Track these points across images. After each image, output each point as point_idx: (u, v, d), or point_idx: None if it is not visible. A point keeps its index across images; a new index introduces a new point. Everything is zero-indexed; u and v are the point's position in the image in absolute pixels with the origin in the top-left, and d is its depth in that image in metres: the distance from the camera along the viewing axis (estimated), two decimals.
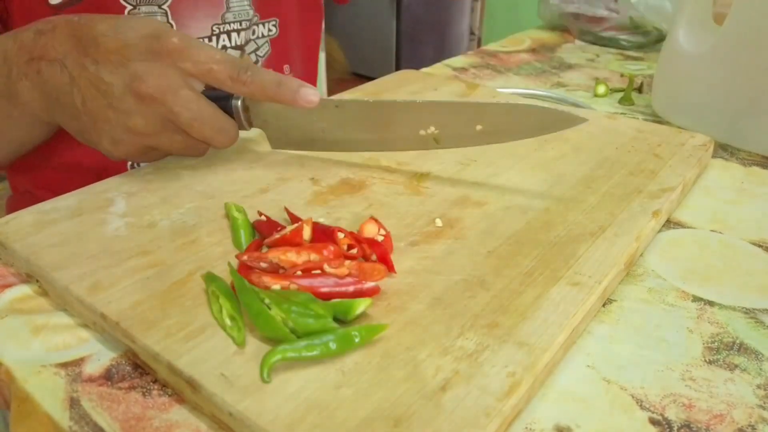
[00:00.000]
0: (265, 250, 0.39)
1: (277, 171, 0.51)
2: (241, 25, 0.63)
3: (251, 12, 0.63)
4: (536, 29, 1.09)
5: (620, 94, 0.76)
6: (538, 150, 0.55)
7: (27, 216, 0.44)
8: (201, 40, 0.46)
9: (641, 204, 0.46)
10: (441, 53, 2.85)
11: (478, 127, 0.45)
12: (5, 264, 0.43)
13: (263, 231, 0.41)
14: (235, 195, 0.47)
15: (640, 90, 0.78)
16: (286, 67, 0.70)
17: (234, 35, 0.63)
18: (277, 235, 0.39)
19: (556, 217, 0.44)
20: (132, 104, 0.43)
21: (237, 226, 0.42)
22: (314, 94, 0.45)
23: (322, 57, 1.77)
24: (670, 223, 0.48)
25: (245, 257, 0.37)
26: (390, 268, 0.38)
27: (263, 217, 0.43)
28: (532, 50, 0.97)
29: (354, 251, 0.38)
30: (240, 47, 0.64)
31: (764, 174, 0.56)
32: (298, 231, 0.39)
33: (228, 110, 0.47)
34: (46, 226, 0.43)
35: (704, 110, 0.63)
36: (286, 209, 0.44)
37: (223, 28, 0.62)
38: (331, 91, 1.10)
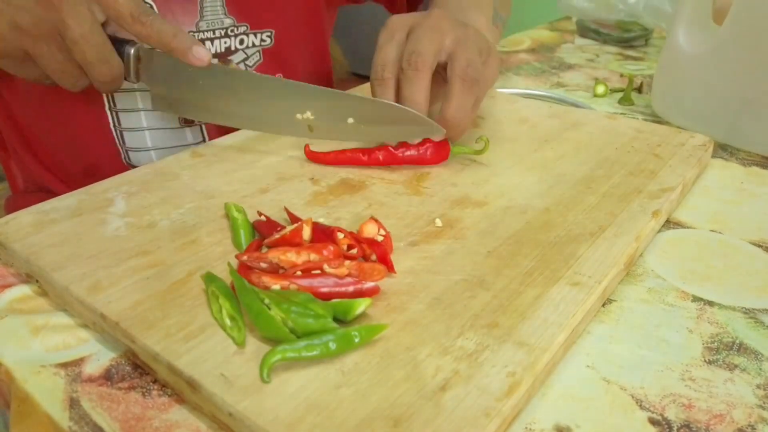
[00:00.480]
0: (264, 250, 0.39)
1: (277, 171, 0.51)
2: (215, 33, 0.63)
3: (227, 21, 0.64)
4: (536, 29, 1.09)
5: (620, 94, 0.76)
6: (538, 150, 0.55)
7: (27, 216, 0.44)
8: None
9: (641, 204, 0.46)
10: None
11: (350, 120, 0.47)
12: (5, 264, 0.43)
13: (263, 231, 0.41)
14: (234, 195, 0.47)
15: (639, 90, 0.78)
16: (278, 76, 0.70)
17: (208, 43, 0.63)
18: (276, 236, 0.39)
19: (555, 217, 0.44)
20: (29, 2, 0.42)
21: (237, 226, 0.42)
22: (206, 54, 0.46)
23: None
24: (669, 223, 0.48)
25: (245, 257, 0.37)
26: (390, 268, 0.38)
27: (263, 218, 0.43)
28: (532, 50, 0.97)
29: (354, 251, 0.38)
30: (220, 56, 0.64)
31: (764, 174, 0.56)
32: (298, 231, 0.39)
33: (120, 56, 0.48)
34: (45, 226, 0.43)
35: (704, 110, 0.63)
36: (286, 209, 0.44)
37: (198, 36, 0.62)
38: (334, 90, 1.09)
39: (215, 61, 0.64)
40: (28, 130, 0.67)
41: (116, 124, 0.63)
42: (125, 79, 0.49)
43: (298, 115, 0.48)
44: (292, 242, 0.38)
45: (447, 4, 0.64)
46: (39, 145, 0.67)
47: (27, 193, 0.72)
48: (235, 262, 0.38)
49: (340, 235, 0.39)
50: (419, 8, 0.81)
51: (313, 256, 0.37)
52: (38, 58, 0.45)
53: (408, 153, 0.50)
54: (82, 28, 0.43)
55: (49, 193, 0.67)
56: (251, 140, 0.56)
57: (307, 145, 0.51)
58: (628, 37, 0.97)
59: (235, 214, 0.43)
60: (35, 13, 0.43)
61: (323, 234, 0.40)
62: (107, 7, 0.45)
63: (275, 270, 0.37)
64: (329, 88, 0.48)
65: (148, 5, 0.47)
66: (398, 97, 0.48)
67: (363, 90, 0.70)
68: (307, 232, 0.39)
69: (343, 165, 0.51)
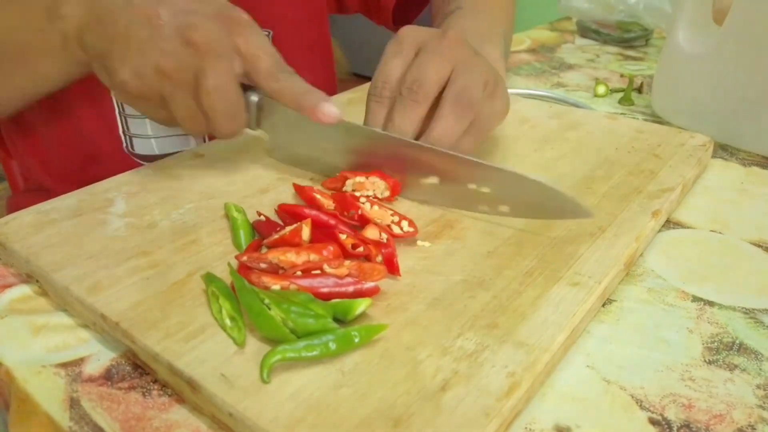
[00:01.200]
0: (264, 250, 0.39)
1: (277, 171, 0.51)
2: None
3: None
4: (536, 29, 1.09)
5: (620, 95, 0.76)
6: (538, 150, 0.55)
7: (27, 216, 0.44)
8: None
9: (641, 204, 0.46)
10: None
11: (485, 189, 0.43)
12: (5, 264, 0.43)
13: (263, 231, 0.41)
14: (235, 195, 0.47)
15: (640, 90, 0.78)
16: None
17: None
18: (276, 236, 0.39)
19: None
20: (175, 46, 0.42)
21: (236, 227, 0.42)
22: (335, 112, 0.44)
23: None
24: (669, 223, 0.48)
25: (245, 258, 0.37)
26: (396, 270, 0.38)
27: (262, 218, 0.43)
28: (532, 50, 0.97)
29: (360, 249, 0.38)
30: None
31: (764, 174, 0.56)
32: (297, 231, 0.39)
33: None
34: (45, 226, 0.43)
35: (704, 110, 0.63)
36: (280, 207, 0.44)
37: None
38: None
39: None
40: (27, 124, 0.67)
41: (121, 110, 0.63)
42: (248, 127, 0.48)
43: (422, 180, 0.45)
44: (292, 242, 0.38)
45: (462, 27, 0.61)
46: (38, 139, 0.67)
47: (27, 193, 0.72)
48: (235, 263, 0.38)
49: (343, 236, 0.39)
50: (413, 22, 0.80)
51: (313, 257, 0.37)
52: (171, 103, 0.44)
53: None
54: (220, 80, 0.42)
55: (47, 192, 0.67)
56: (251, 140, 0.56)
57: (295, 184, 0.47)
58: (628, 38, 0.98)
59: (235, 214, 0.43)
60: (180, 58, 0.42)
61: (323, 234, 0.40)
62: (248, 61, 0.44)
63: (275, 270, 0.37)
64: (458, 155, 0.44)
65: (287, 65, 0.45)
66: (386, 117, 0.46)
67: (363, 90, 0.70)
68: (306, 232, 0.39)
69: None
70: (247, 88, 0.47)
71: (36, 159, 0.69)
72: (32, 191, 0.71)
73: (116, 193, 0.47)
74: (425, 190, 0.46)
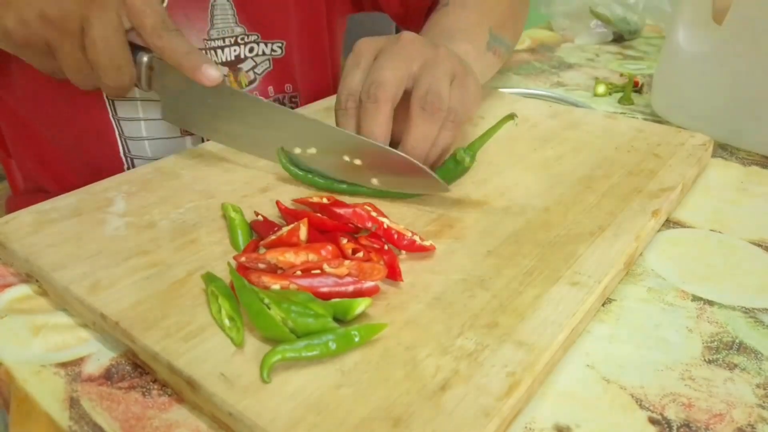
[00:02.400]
0: (262, 251, 0.39)
1: (276, 171, 0.51)
2: (224, 41, 0.64)
3: (237, 29, 0.64)
4: (536, 29, 1.09)
5: (620, 94, 0.76)
6: (537, 150, 0.55)
7: (26, 216, 0.44)
8: None
9: (641, 204, 0.46)
10: None
11: (345, 158, 0.45)
12: (5, 264, 0.43)
13: (260, 231, 0.41)
14: (234, 195, 0.47)
15: (639, 90, 0.78)
16: (288, 86, 0.70)
17: (219, 52, 0.63)
18: (273, 236, 0.39)
19: (555, 216, 0.44)
20: None
21: (234, 227, 0.42)
22: (216, 74, 0.45)
23: None
24: (669, 223, 0.48)
25: (243, 258, 0.37)
26: (398, 276, 0.37)
27: (260, 217, 0.43)
28: (532, 50, 0.97)
29: (360, 254, 0.38)
30: (229, 64, 0.65)
31: (764, 173, 0.56)
32: (295, 231, 0.39)
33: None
34: (45, 225, 0.43)
35: (704, 110, 0.63)
36: (278, 203, 0.44)
37: (210, 44, 0.63)
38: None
39: (224, 79, 0.64)
40: (27, 128, 0.67)
41: (114, 113, 0.63)
42: (136, 86, 0.49)
43: (298, 150, 0.48)
44: (289, 242, 0.38)
45: (434, 30, 0.61)
46: (38, 142, 0.67)
47: (27, 193, 0.72)
48: (234, 263, 0.38)
49: (344, 240, 0.39)
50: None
51: (312, 257, 0.37)
52: (57, 52, 0.45)
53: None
54: (105, 31, 0.43)
55: (46, 193, 0.67)
56: None
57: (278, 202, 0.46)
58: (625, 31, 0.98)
59: (232, 214, 0.43)
60: (65, 6, 0.43)
61: (320, 233, 0.40)
62: (133, 16, 0.45)
63: (273, 271, 0.37)
64: (332, 126, 0.47)
65: (172, 22, 0.46)
66: (358, 129, 0.46)
67: None
68: (303, 232, 0.39)
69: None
70: (139, 48, 0.48)
71: (35, 161, 0.69)
72: (32, 192, 0.71)
73: (116, 192, 0.47)
74: (306, 159, 0.47)
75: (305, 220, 0.40)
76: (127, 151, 0.64)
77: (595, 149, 0.55)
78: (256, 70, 0.67)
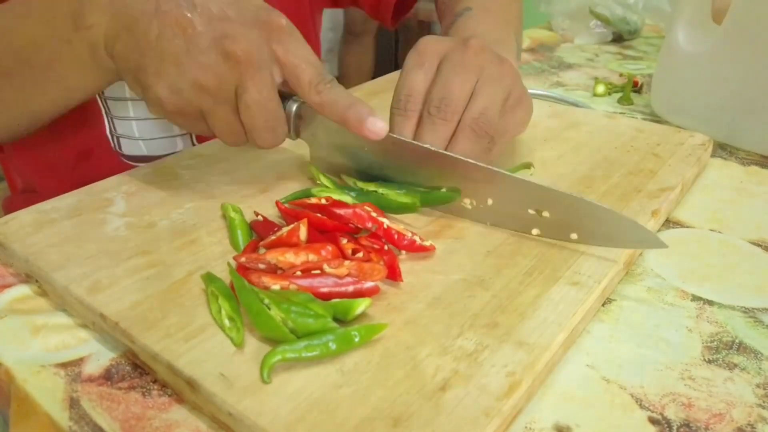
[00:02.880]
0: (262, 251, 0.39)
1: (277, 171, 0.51)
2: None
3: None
4: (536, 29, 1.09)
5: (619, 94, 0.76)
6: (537, 150, 0.55)
7: (26, 216, 0.44)
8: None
9: (640, 203, 0.46)
10: None
11: (545, 214, 0.41)
12: (5, 264, 0.42)
13: (260, 231, 0.41)
14: (235, 195, 0.47)
15: (639, 90, 0.78)
16: None
17: None
18: (273, 237, 0.39)
19: None
20: (213, 59, 0.40)
21: (234, 227, 0.42)
22: (382, 126, 0.42)
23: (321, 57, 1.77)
24: (669, 223, 0.48)
25: (243, 259, 0.37)
26: (398, 277, 0.37)
27: (260, 218, 0.43)
28: (532, 50, 0.97)
29: (360, 255, 0.38)
30: None
31: (763, 173, 0.56)
32: (295, 231, 0.39)
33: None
34: (45, 226, 0.43)
35: (703, 110, 0.63)
36: (278, 203, 0.44)
37: None
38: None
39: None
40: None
41: (108, 111, 0.63)
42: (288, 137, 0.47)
43: (467, 201, 0.44)
44: (289, 243, 0.38)
45: (478, 33, 0.57)
46: (27, 139, 0.67)
47: (25, 192, 0.72)
48: (234, 263, 0.38)
49: (344, 240, 0.39)
50: (408, 14, 0.79)
51: (312, 257, 0.37)
52: (210, 118, 0.43)
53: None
54: (260, 95, 0.41)
55: (37, 194, 0.67)
56: None
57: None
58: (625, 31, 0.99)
59: (232, 214, 0.43)
60: (219, 72, 0.40)
61: (320, 233, 0.40)
62: (289, 73, 0.42)
63: (273, 271, 0.37)
64: (517, 177, 0.42)
65: (328, 72, 0.43)
66: (415, 135, 0.45)
67: (362, 90, 0.70)
68: (303, 232, 0.39)
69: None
70: (285, 95, 0.45)
71: (26, 159, 0.69)
72: (30, 192, 0.71)
73: (116, 192, 0.47)
74: (478, 212, 0.44)
75: (305, 220, 0.40)
76: (118, 149, 0.64)
77: (595, 149, 0.55)
78: None
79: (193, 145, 0.65)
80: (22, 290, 0.40)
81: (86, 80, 0.48)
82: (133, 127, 0.63)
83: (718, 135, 0.61)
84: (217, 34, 0.40)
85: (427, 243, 0.40)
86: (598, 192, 0.47)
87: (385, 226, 0.40)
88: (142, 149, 0.64)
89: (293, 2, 0.70)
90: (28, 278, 0.41)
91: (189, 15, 0.40)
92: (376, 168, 0.46)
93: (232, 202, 0.45)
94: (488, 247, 0.41)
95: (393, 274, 0.37)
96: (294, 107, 0.45)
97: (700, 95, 0.63)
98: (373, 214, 0.41)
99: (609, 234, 0.39)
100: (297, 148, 0.54)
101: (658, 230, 0.47)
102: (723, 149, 0.61)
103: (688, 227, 0.48)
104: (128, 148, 0.64)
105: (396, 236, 0.40)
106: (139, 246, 0.41)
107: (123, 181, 0.49)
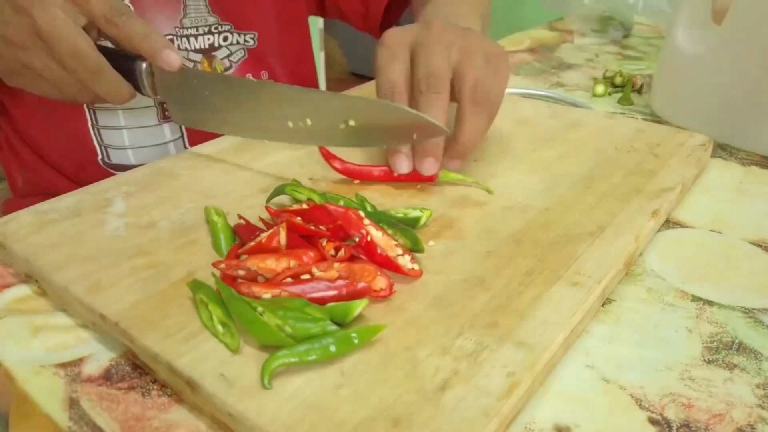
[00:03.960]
0: (243, 258, 0.38)
1: (276, 171, 0.51)
2: (198, 30, 0.64)
3: (210, 19, 0.64)
4: (536, 29, 1.09)
5: (619, 94, 0.76)
6: (537, 150, 0.55)
7: (26, 216, 0.44)
8: None
9: (640, 204, 0.46)
10: None
11: (351, 123, 0.44)
12: (4, 264, 0.42)
13: (243, 235, 0.41)
14: (233, 195, 0.47)
15: (639, 90, 0.78)
16: (264, 73, 0.71)
17: (192, 40, 0.64)
18: (252, 243, 0.38)
19: (555, 217, 0.44)
20: (9, 14, 0.43)
21: (216, 231, 0.41)
22: (176, 58, 0.45)
23: (321, 57, 1.77)
24: (669, 223, 0.48)
25: (222, 266, 0.36)
26: (403, 271, 0.37)
27: (242, 221, 0.42)
28: (531, 50, 0.97)
29: (341, 253, 0.37)
30: (203, 51, 0.65)
31: (763, 173, 0.56)
32: (274, 236, 0.38)
33: (132, 72, 0.47)
34: (45, 226, 0.43)
35: (703, 110, 0.63)
36: (267, 208, 0.43)
37: (182, 32, 0.63)
38: (331, 90, 1.09)
39: (195, 64, 0.64)
40: (23, 127, 0.67)
41: (94, 122, 0.63)
42: (141, 93, 0.49)
43: (294, 123, 0.46)
44: (269, 248, 0.38)
45: (441, 15, 0.61)
46: (35, 141, 0.67)
47: (26, 195, 0.72)
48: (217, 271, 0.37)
49: (323, 241, 0.38)
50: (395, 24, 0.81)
51: (293, 263, 0.36)
52: (36, 70, 0.45)
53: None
54: (53, 28, 0.43)
55: (50, 191, 0.67)
56: (250, 140, 0.56)
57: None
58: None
59: (215, 218, 0.42)
60: (15, 22, 0.43)
61: (299, 238, 0.39)
62: (82, 9, 0.44)
63: (254, 278, 0.36)
64: (328, 92, 0.46)
65: (125, 5, 0.46)
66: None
67: (361, 90, 0.70)
68: (282, 237, 0.38)
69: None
70: (137, 57, 0.47)
71: (37, 161, 0.69)
72: (31, 193, 0.71)
73: (115, 193, 0.47)
74: (303, 132, 0.46)
75: (284, 224, 0.39)
76: (107, 159, 0.64)
77: (595, 149, 0.55)
78: (231, 58, 0.67)
79: (186, 148, 0.65)
80: (22, 290, 0.40)
81: None
82: (124, 136, 0.64)
83: (719, 135, 0.61)
84: None
85: (415, 266, 0.38)
86: (598, 192, 0.47)
87: (368, 239, 0.38)
88: (129, 159, 0.65)
89: (289, 3, 0.71)
90: (28, 278, 0.41)
91: None
92: (222, 111, 0.49)
93: (231, 202, 0.45)
94: (488, 248, 0.41)
95: (398, 270, 0.37)
96: (143, 65, 0.47)
97: (700, 95, 0.63)
98: (366, 222, 0.39)
99: (403, 130, 0.43)
100: (297, 148, 0.54)
101: (658, 230, 0.47)
102: (723, 149, 0.61)
103: (688, 227, 0.48)
104: (116, 157, 0.65)
105: (378, 250, 0.38)
106: (139, 246, 0.41)
107: (123, 182, 0.49)
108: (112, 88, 0.47)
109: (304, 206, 0.42)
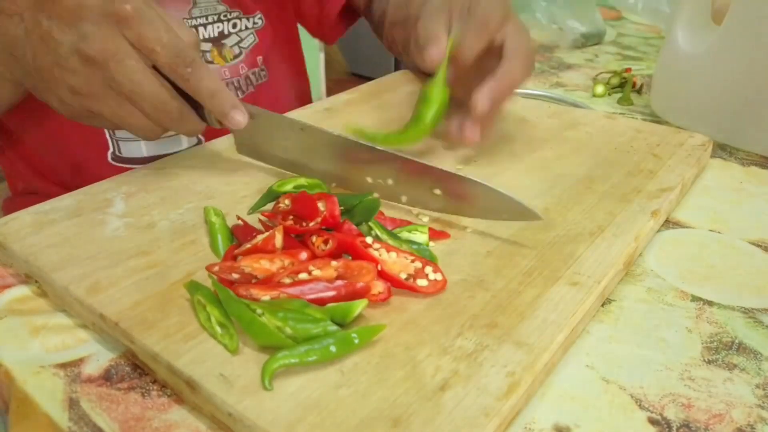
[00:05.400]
0: (239, 259, 0.38)
1: (276, 172, 0.51)
2: (207, 19, 0.65)
3: (220, 8, 0.65)
4: (536, 29, 1.09)
5: (619, 94, 0.76)
6: (537, 150, 0.55)
7: (26, 216, 0.44)
8: (161, 10, 0.44)
9: (640, 204, 0.46)
10: None
11: (437, 191, 0.43)
12: (4, 265, 0.42)
13: (240, 236, 0.41)
14: (233, 195, 0.47)
15: (639, 90, 0.78)
16: (259, 59, 0.71)
17: (201, 29, 0.65)
18: (248, 245, 0.38)
19: (555, 217, 0.44)
20: (76, 65, 0.42)
21: (214, 231, 0.41)
22: (242, 118, 0.45)
23: (321, 57, 1.77)
24: (669, 223, 0.48)
25: (216, 268, 0.36)
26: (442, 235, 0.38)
27: (240, 222, 0.42)
28: None
29: (329, 245, 0.37)
30: (213, 40, 0.66)
31: (763, 174, 0.56)
32: (270, 239, 0.38)
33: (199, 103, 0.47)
34: (45, 226, 0.43)
35: (703, 110, 0.63)
36: (264, 214, 0.43)
37: (192, 22, 0.64)
38: (330, 91, 1.10)
39: (205, 54, 0.64)
40: (17, 135, 0.67)
41: (111, 132, 0.63)
42: (207, 123, 0.47)
43: (374, 180, 0.46)
44: (265, 251, 0.38)
45: None
46: (25, 146, 0.68)
47: (26, 195, 0.72)
48: (212, 273, 0.37)
49: (313, 238, 0.38)
50: (345, 32, 0.83)
51: (287, 262, 0.36)
52: (106, 114, 0.44)
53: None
54: (133, 84, 0.42)
55: (39, 195, 0.67)
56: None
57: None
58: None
59: (213, 218, 0.42)
60: (85, 74, 0.42)
61: (293, 239, 0.39)
62: (150, 58, 0.43)
63: (248, 280, 0.36)
64: (413, 159, 0.44)
65: (190, 51, 0.43)
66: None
67: (361, 90, 0.70)
68: (279, 240, 0.38)
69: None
70: None
71: (25, 163, 0.69)
72: (31, 194, 0.71)
73: (115, 193, 0.47)
74: (381, 189, 0.46)
75: (280, 227, 0.39)
76: (118, 152, 0.64)
77: (595, 150, 0.55)
78: (241, 45, 0.68)
79: (199, 141, 0.66)
80: (22, 291, 0.40)
81: (4, 93, 0.52)
82: (142, 148, 0.64)
83: (718, 135, 0.61)
84: (73, 38, 0.41)
85: (438, 277, 0.37)
86: (598, 192, 0.47)
87: (379, 268, 0.37)
88: (142, 151, 0.65)
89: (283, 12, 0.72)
90: (27, 279, 0.41)
91: (46, 25, 0.42)
92: (290, 154, 0.49)
93: (231, 202, 0.45)
94: (488, 248, 0.41)
95: (414, 290, 0.36)
96: None
97: (700, 95, 0.63)
98: (376, 247, 0.38)
99: (494, 209, 0.42)
100: None
101: (658, 230, 0.47)
102: (723, 149, 0.61)
103: (688, 227, 0.48)
104: (128, 150, 0.65)
105: (392, 274, 0.36)
106: (139, 246, 0.41)
107: (122, 182, 0.49)
108: (189, 128, 0.46)
109: (287, 202, 0.43)
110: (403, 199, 0.45)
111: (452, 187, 0.43)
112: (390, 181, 0.45)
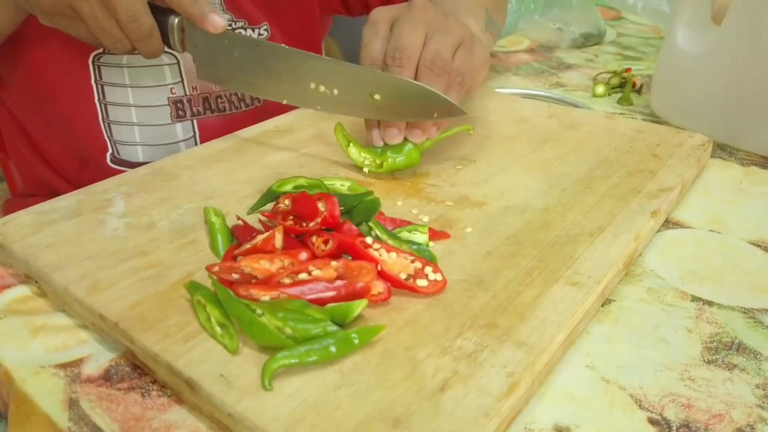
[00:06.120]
0: (239, 260, 0.38)
1: (276, 171, 0.51)
2: None
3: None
4: (536, 29, 1.09)
5: (619, 94, 0.76)
6: (537, 150, 0.55)
7: (26, 216, 0.44)
8: None
9: (640, 204, 0.46)
10: None
11: (377, 97, 0.46)
12: (4, 265, 0.42)
13: (240, 237, 0.41)
14: (233, 195, 0.47)
15: (639, 90, 0.78)
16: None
17: None
18: (248, 245, 0.38)
19: (555, 217, 0.44)
20: None
21: (214, 232, 0.41)
22: (221, 21, 0.47)
23: None
24: (668, 223, 0.48)
25: (216, 268, 0.36)
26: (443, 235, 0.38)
27: (240, 222, 0.42)
28: (531, 50, 0.97)
29: (329, 245, 0.37)
30: None
31: (763, 174, 0.56)
32: (270, 239, 0.38)
33: (163, 26, 0.49)
34: (44, 226, 0.43)
35: (703, 110, 0.63)
36: (263, 214, 0.43)
37: None
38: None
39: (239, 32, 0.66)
40: (27, 127, 0.67)
41: (105, 117, 0.63)
42: (170, 47, 0.51)
43: (323, 88, 0.48)
44: (265, 251, 0.38)
45: (439, 3, 0.63)
46: (38, 140, 0.68)
47: (26, 196, 0.72)
48: (212, 273, 0.37)
49: (313, 238, 0.38)
50: None
51: (287, 262, 0.36)
52: (81, 15, 0.46)
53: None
54: None
55: (50, 192, 0.67)
56: (250, 141, 0.56)
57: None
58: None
59: (213, 218, 0.42)
60: None
61: (293, 239, 0.39)
62: None
63: (248, 280, 0.36)
64: (356, 65, 0.48)
65: None
66: None
67: None
68: (279, 240, 0.38)
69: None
70: (170, 12, 0.49)
71: (33, 151, 0.69)
72: (31, 194, 0.71)
73: (115, 193, 0.47)
74: (327, 100, 0.49)
75: (280, 227, 0.39)
76: (117, 154, 0.64)
77: (595, 150, 0.55)
78: None
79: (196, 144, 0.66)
80: (22, 291, 0.40)
81: None
82: (135, 133, 0.64)
83: (718, 135, 0.61)
84: None
85: (438, 277, 0.36)
86: (598, 192, 0.47)
87: (379, 269, 0.36)
88: (138, 156, 0.65)
89: (301, 2, 0.71)
90: (27, 279, 0.41)
91: None
92: (249, 72, 0.51)
93: (231, 202, 0.45)
94: (488, 248, 0.41)
95: (414, 290, 0.36)
96: (176, 21, 0.50)
97: (700, 95, 0.63)
98: (376, 247, 0.38)
99: (425, 110, 0.46)
100: (297, 149, 0.54)
101: (658, 230, 0.47)
102: (723, 150, 0.61)
103: (687, 228, 0.48)
104: (125, 153, 0.65)
105: (392, 274, 0.36)
106: (139, 246, 0.41)
107: (122, 182, 0.49)
108: (152, 47, 0.49)
109: (287, 202, 0.43)
110: (345, 108, 0.49)
111: (390, 90, 0.46)
112: (336, 91, 0.48)
